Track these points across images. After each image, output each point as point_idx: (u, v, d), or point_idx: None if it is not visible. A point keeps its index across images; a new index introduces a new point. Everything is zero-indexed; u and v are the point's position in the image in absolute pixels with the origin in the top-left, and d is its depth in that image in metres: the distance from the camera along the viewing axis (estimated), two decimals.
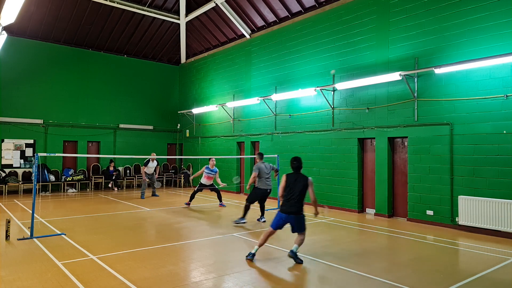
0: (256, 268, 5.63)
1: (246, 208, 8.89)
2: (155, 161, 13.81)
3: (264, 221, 9.10)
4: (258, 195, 9.03)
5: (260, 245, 6.02)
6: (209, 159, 11.82)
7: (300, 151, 12.43)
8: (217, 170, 11.79)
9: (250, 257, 5.92)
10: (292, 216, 5.80)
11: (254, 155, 14.62)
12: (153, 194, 14.18)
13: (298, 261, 5.80)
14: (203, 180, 11.66)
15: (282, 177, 6.15)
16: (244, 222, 8.82)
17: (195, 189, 11.79)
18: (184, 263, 5.90)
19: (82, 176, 15.95)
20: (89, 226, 8.67)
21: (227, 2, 14.81)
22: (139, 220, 9.43)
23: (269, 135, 13.77)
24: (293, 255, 5.79)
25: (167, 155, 19.02)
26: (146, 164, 13.63)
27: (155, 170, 14.06)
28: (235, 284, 5.01)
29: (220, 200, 11.84)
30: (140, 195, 13.71)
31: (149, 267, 5.57)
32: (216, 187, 11.85)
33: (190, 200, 11.74)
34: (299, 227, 5.88)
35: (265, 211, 9.43)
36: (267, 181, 8.93)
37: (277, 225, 5.93)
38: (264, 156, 13.53)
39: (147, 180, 13.75)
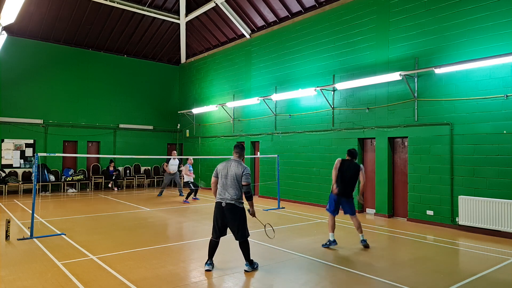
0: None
1: (210, 246, 5.56)
2: (176, 159, 14.28)
3: (253, 269, 5.44)
4: (213, 217, 5.54)
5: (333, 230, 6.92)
6: (187, 159, 13.49)
7: (300, 151, 12.43)
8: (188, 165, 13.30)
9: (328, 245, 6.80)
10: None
11: (254, 155, 14.63)
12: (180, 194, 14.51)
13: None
14: (188, 178, 13.09)
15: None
16: (208, 269, 5.47)
17: (191, 187, 12.97)
18: (184, 263, 5.90)
19: (82, 176, 15.95)
20: (89, 226, 8.67)
21: (227, 2, 14.80)
22: (139, 220, 9.43)
23: (269, 135, 13.76)
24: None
25: (167, 155, 19.00)
26: (167, 162, 14.30)
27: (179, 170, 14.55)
28: (235, 284, 5.01)
29: (188, 197, 12.90)
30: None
31: (149, 267, 5.57)
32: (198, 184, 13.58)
33: (189, 197, 12.95)
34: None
35: (249, 253, 5.44)
36: (222, 190, 5.42)
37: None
38: (265, 156, 13.67)
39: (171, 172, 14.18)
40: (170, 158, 14.18)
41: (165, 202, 12.68)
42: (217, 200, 5.46)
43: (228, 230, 5.53)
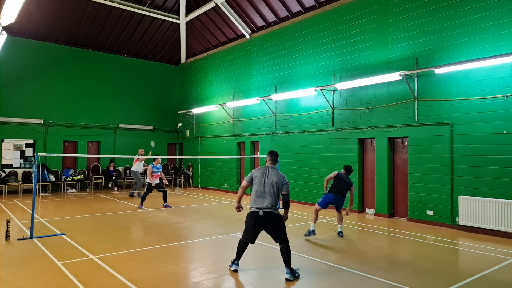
0: (256, 268, 5.63)
1: (239, 247, 5.47)
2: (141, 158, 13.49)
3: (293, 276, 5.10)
4: (247, 225, 5.39)
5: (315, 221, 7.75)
6: (154, 159, 11.43)
7: (300, 151, 12.43)
8: (161, 167, 11.51)
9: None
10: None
11: (254, 155, 14.63)
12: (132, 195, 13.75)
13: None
14: (151, 180, 11.14)
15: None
16: (235, 270, 5.43)
17: (145, 190, 11.29)
18: (184, 263, 5.90)
19: (82, 176, 15.95)
20: (89, 226, 8.67)
21: (227, 2, 14.81)
22: (139, 220, 9.43)
23: (269, 135, 13.76)
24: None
25: (167, 155, 19.02)
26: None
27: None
28: (235, 284, 5.01)
29: (165, 201, 11.36)
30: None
31: (149, 267, 5.57)
32: (164, 187, 11.53)
33: (142, 203, 11.28)
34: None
35: (290, 260, 5.15)
36: (259, 198, 5.28)
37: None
38: (265, 156, 13.54)
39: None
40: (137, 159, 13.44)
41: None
42: (253, 210, 5.27)
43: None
